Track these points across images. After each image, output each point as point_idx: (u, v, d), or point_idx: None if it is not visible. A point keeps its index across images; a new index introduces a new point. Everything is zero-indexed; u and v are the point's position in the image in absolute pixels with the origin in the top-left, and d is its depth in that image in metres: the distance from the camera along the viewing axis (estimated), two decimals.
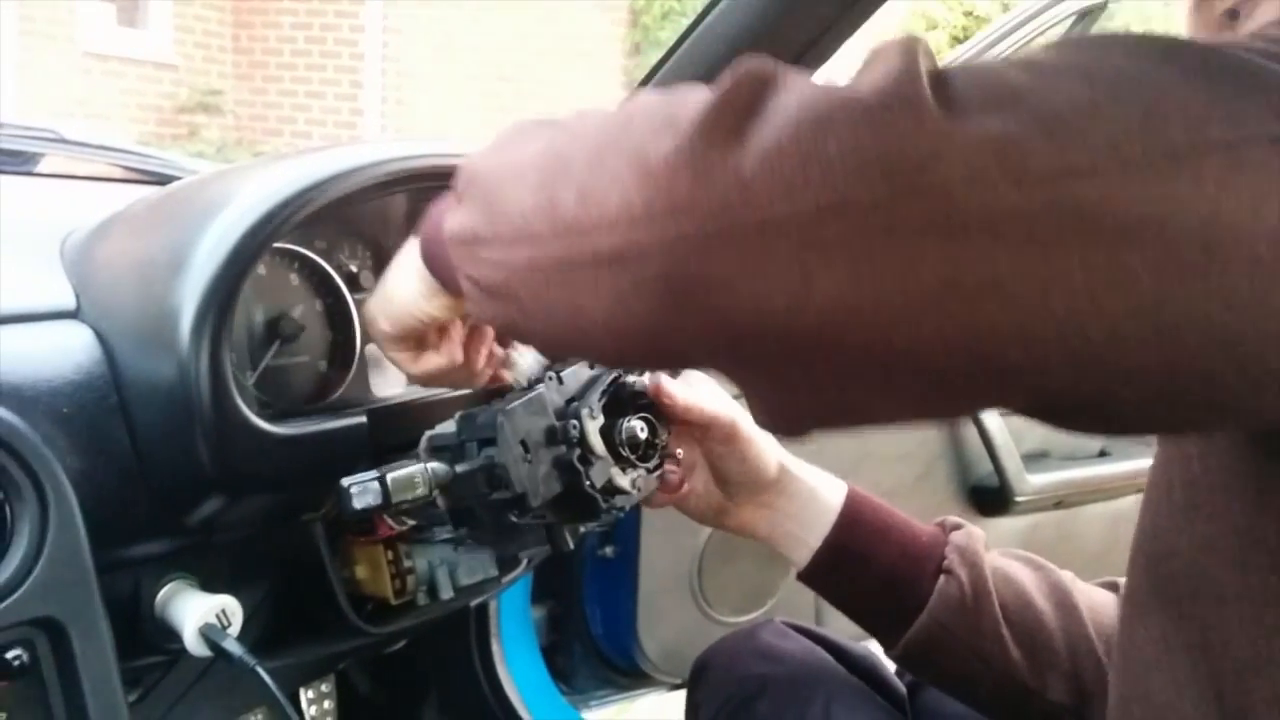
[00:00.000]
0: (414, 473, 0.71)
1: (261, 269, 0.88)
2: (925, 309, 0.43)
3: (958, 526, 0.88)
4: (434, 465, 0.72)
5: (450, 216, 0.61)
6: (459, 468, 0.74)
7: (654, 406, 0.86)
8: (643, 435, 0.84)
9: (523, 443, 0.75)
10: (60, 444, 0.69)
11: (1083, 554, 1.96)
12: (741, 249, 0.44)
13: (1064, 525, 1.95)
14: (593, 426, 0.80)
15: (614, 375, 0.84)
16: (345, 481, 0.70)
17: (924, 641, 0.83)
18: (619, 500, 0.82)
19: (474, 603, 1.29)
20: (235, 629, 0.77)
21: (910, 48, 0.45)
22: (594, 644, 1.73)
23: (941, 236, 0.42)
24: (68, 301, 0.77)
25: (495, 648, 1.56)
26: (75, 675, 0.65)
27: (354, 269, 0.95)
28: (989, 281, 0.42)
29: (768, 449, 0.89)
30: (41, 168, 1.07)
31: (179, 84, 8.40)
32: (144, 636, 0.78)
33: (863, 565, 0.86)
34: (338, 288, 0.93)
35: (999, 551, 0.88)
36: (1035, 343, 0.43)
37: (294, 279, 0.91)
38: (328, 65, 8.76)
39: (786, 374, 0.48)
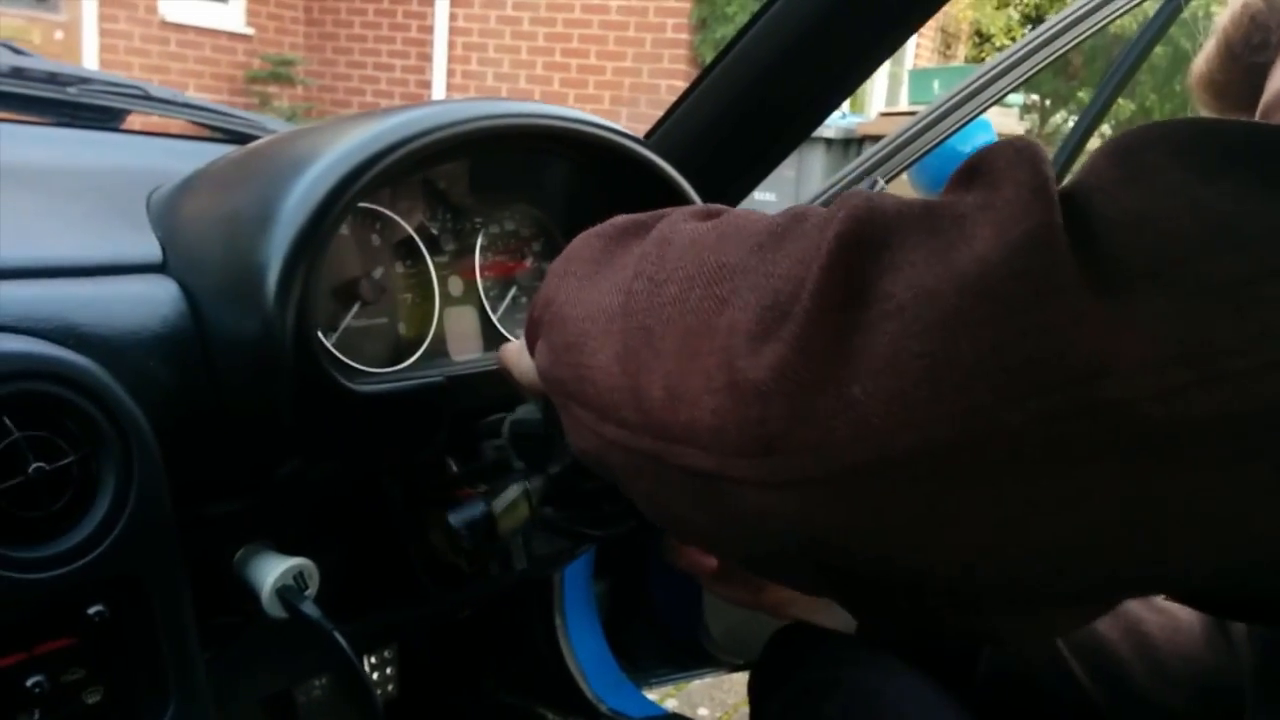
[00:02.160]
0: (517, 500, 0.69)
1: (344, 229, 0.87)
2: (1090, 544, 0.36)
3: None
4: (533, 484, 0.71)
5: (539, 349, 0.56)
6: (552, 469, 0.72)
7: None
8: None
9: None
10: (145, 398, 0.68)
11: None
12: (860, 494, 0.37)
13: None
14: None
15: None
16: (454, 520, 0.68)
17: (990, 692, 0.80)
18: None
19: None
20: (312, 592, 0.76)
21: (1035, 167, 0.37)
22: (657, 621, 1.71)
23: (1122, 459, 0.34)
24: (154, 255, 0.76)
25: (558, 620, 1.55)
26: (154, 633, 0.65)
27: (435, 231, 0.94)
28: (1181, 505, 0.34)
29: None
30: (127, 124, 1.06)
31: (252, 54, 8.50)
32: (221, 596, 0.77)
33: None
34: (419, 250, 0.91)
35: None
36: (1217, 559, 0.36)
37: (376, 240, 0.89)
38: (396, 38, 8.80)
39: (894, 606, 0.42)
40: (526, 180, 1.01)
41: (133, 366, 0.69)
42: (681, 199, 1.01)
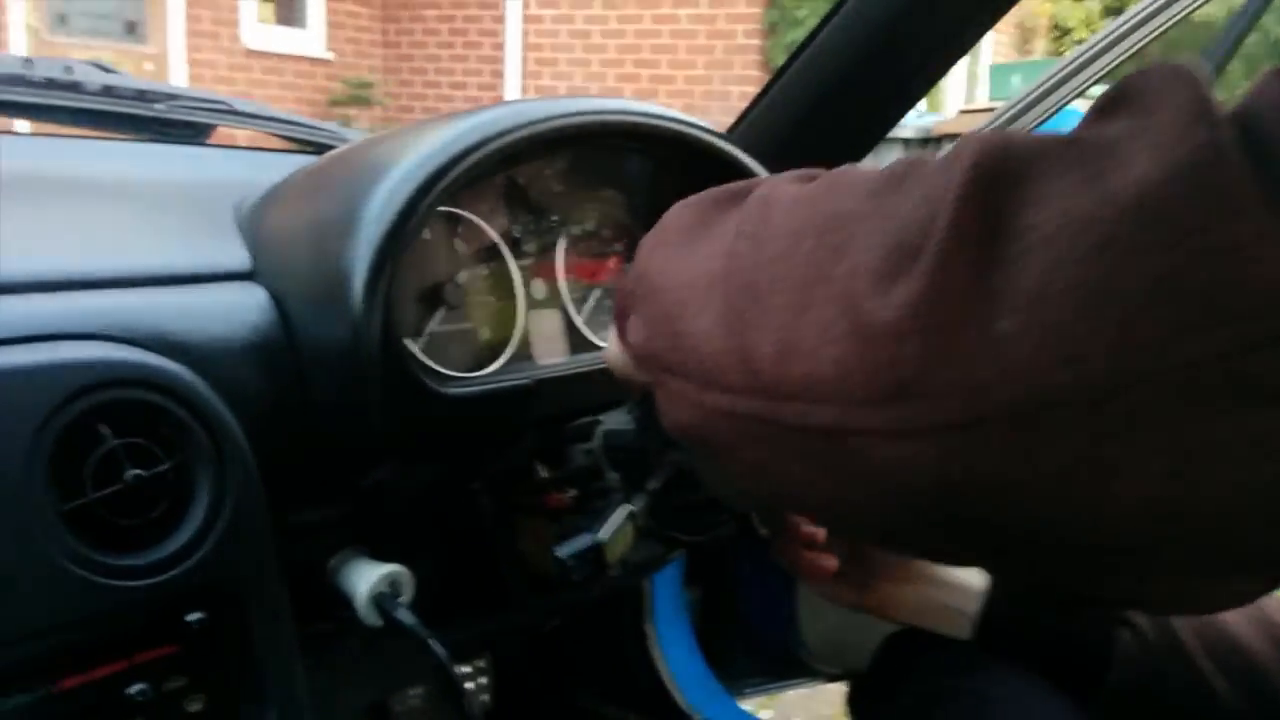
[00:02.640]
0: (622, 525, 0.68)
1: (427, 233, 0.86)
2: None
3: None
4: (636, 505, 0.69)
5: (631, 324, 0.53)
6: (651, 485, 0.70)
7: None
8: None
9: None
10: (238, 404, 0.68)
11: None
12: (1009, 438, 0.33)
13: None
14: None
15: None
16: (561, 552, 0.67)
17: (1119, 704, 0.75)
18: None
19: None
20: (407, 599, 0.76)
21: (1193, 88, 0.33)
22: (749, 630, 1.69)
23: None
24: (243, 263, 0.77)
25: (649, 629, 1.53)
26: (253, 640, 0.64)
27: (517, 234, 0.93)
28: None
29: None
30: (212, 139, 1.08)
31: (332, 78, 8.69)
32: (315, 603, 0.77)
33: (1031, 628, 0.78)
34: (501, 253, 0.91)
35: None
36: None
37: (458, 244, 0.89)
38: (470, 56, 8.92)
39: (1043, 568, 0.39)
40: (608, 179, 1.00)
41: (225, 373, 0.69)
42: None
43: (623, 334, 0.58)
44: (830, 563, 0.80)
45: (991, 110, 1.56)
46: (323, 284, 0.71)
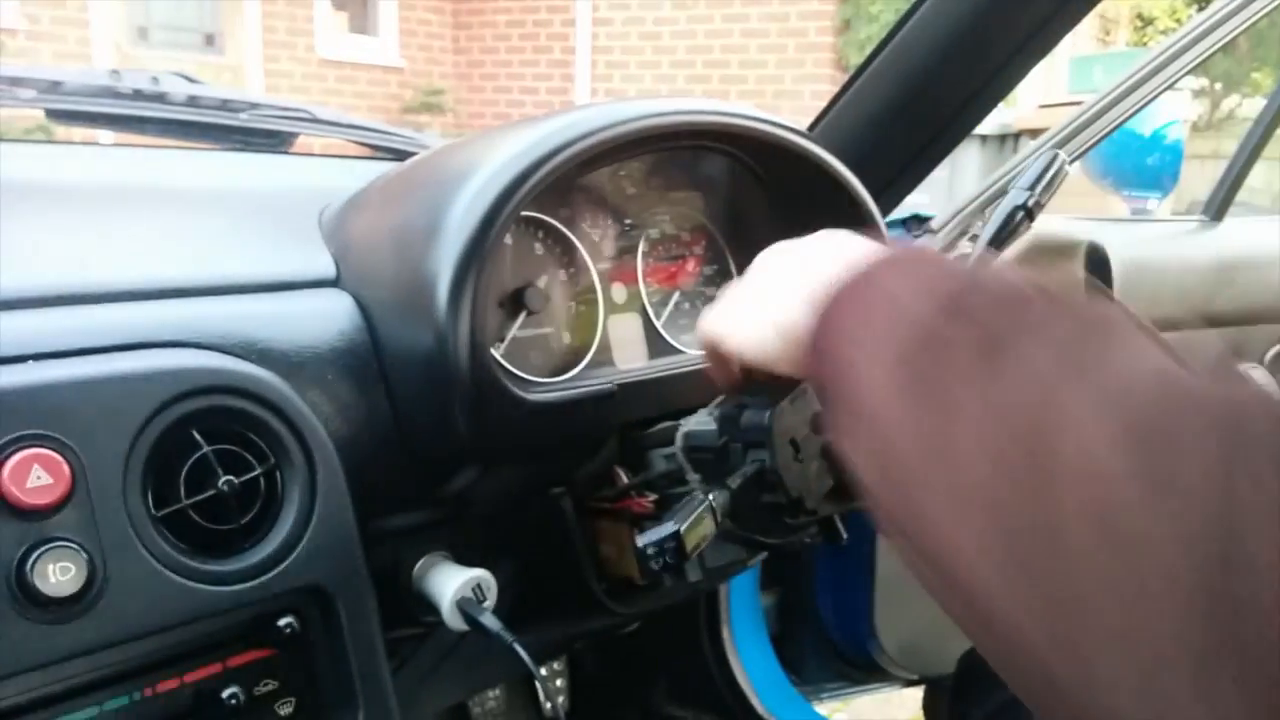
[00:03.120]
0: (702, 514, 0.67)
1: (508, 238, 0.86)
2: None
3: None
4: (717, 498, 0.68)
5: (852, 447, 0.46)
6: (732, 483, 0.69)
7: None
8: None
9: (792, 442, 0.69)
10: (325, 411, 0.69)
11: None
12: None
13: None
14: None
15: None
16: (642, 541, 0.66)
17: None
18: None
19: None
20: (491, 603, 0.76)
21: None
22: (825, 634, 1.66)
23: None
24: (328, 270, 0.77)
25: (725, 633, 1.52)
26: (342, 644, 0.65)
27: (596, 238, 0.93)
28: None
29: None
30: (294, 147, 1.09)
31: (404, 85, 8.82)
32: (402, 608, 0.77)
33: None
34: (581, 257, 0.90)
35: None
36: None
37: (538, 249, 0.89)
38: (540, 60, 8.98)
39: None
40: (686, 181, 0.99)
41: (312, 380, 0.70)
42: (850, 197, 0.97)
43: (831, 427, 0.50)
44: None
45: (1076, 104, 1.52)
46: (407, 291, 0.72)
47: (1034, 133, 4.71)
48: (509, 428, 0.74)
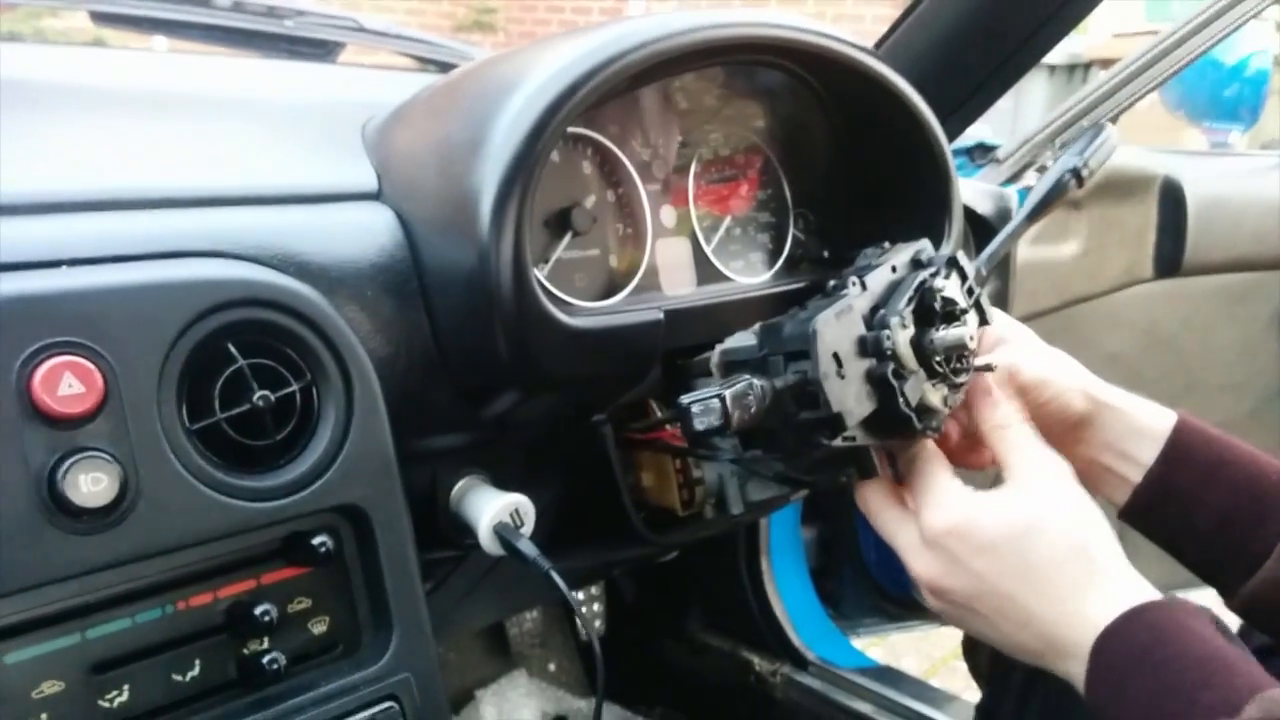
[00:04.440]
0: (747, 389, 0.64)
1: (555, 156, 0.83)
2: None
3: None
4: (759, 381, 0.65)
5: None
6: (775, 381, 0.66)
7: (967, 314, 0.75)
8: (968, 343, 0.73)
9: (835, 356, 0.66)
10: (363, 328, 0.67)
11: None
12: None
13: None
14: (903, 337, 0.70)
15: (920, 279, 0.74)
16: (686, 399, 0.63)
17: (1269, 596, 0.70)
18: (932, 420, 0.72)
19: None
20: (528, 529, 0.74)
21: None
22: (865, 570, 1.65)
23: None
24: (370, 183, 0.75)
25: (764, 565, 1.51)
26: (377, 564, 0.64)
27: (646, 158, 0.89)
28: None
29: (1071, 384, 0.76)
30: (340, 58, 1.07)
31: (456, 3, 8.69)
32: (439, 530, 0.76)
33: (1193, 504, 0.74)
34: (631, 177, 0.87)
35: None
36: None
37: (586, 167, 0.85)
38: None
39: None
40: (742, 100, 0.95)
41: (351, 296, 0.68)
42: (916, 121, 0.93)
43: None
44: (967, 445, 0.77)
45: (1150, 34, 1.45)
46: (450, 206, 0.69)
47: (1106, 63, 4.53)
48: (550, 352, 0.72)
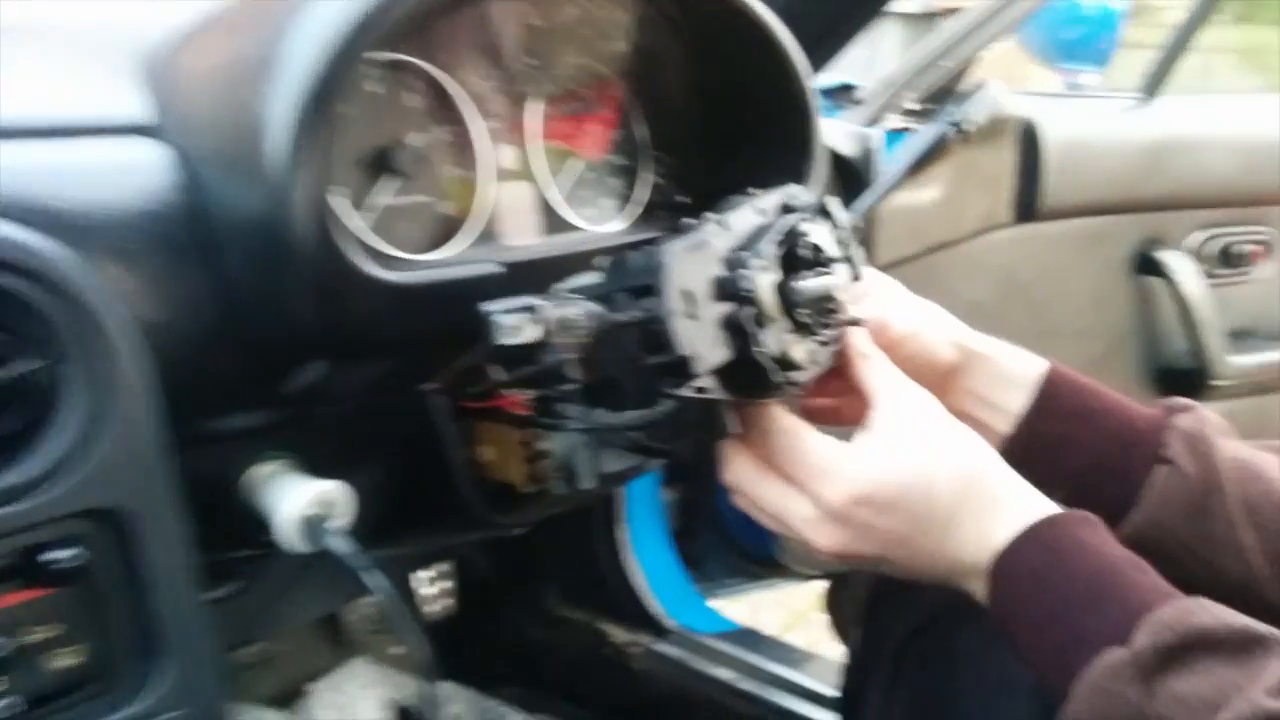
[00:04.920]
0: (572, 311, 0.54)
1: (374, 86, 0.72)
2: None
3: (1186, 409, 0.71)
4: (592, 306, 0.56)
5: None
6: (617, 315, 0.57)
7: (837, 264, 0.68)
8: (836, 294, 0.66)
9: (687, 295, 0.58)
10: (128, 289, 0.55)
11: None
12: None
13: (1260, 415, 1.72)
14: (766, 281, 0.62)
15: (787, 223, 0.66)
16: (488, 307, 0.53)
17: (1135, 541, 0.67)
18: (794, 375, 0.65)
19: None
20: (344, 521, 0.64)
21: None
22: (726, 531, 1.60)
23: None
24: (144, 115, 0.62)
25: (620, 533, 1.44)
26: (143, 579, 0.52)
27: (482, 91, 0.78)
28: None
29: (941, 334, 0.74)
30: None
31: None
32: (235, 527, 0.65)
33: (1063, 450, 0.72)
34: (463, 113, 0.76)
35: (1251, 443, 0.71)
36: None
37: (412, 100, 0.74)
38: None
39: None
40: (590, 28, 0.85)
41: (112, 250, 0.56)
42: (777, 50, 0.85)
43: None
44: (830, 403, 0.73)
45: None
46: (236, 139, 0.57)
47: (953, 11, 4.60)
48: (365, 313, 0.61)
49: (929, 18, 5.04)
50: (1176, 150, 1.61)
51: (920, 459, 0.61)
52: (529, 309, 0.52)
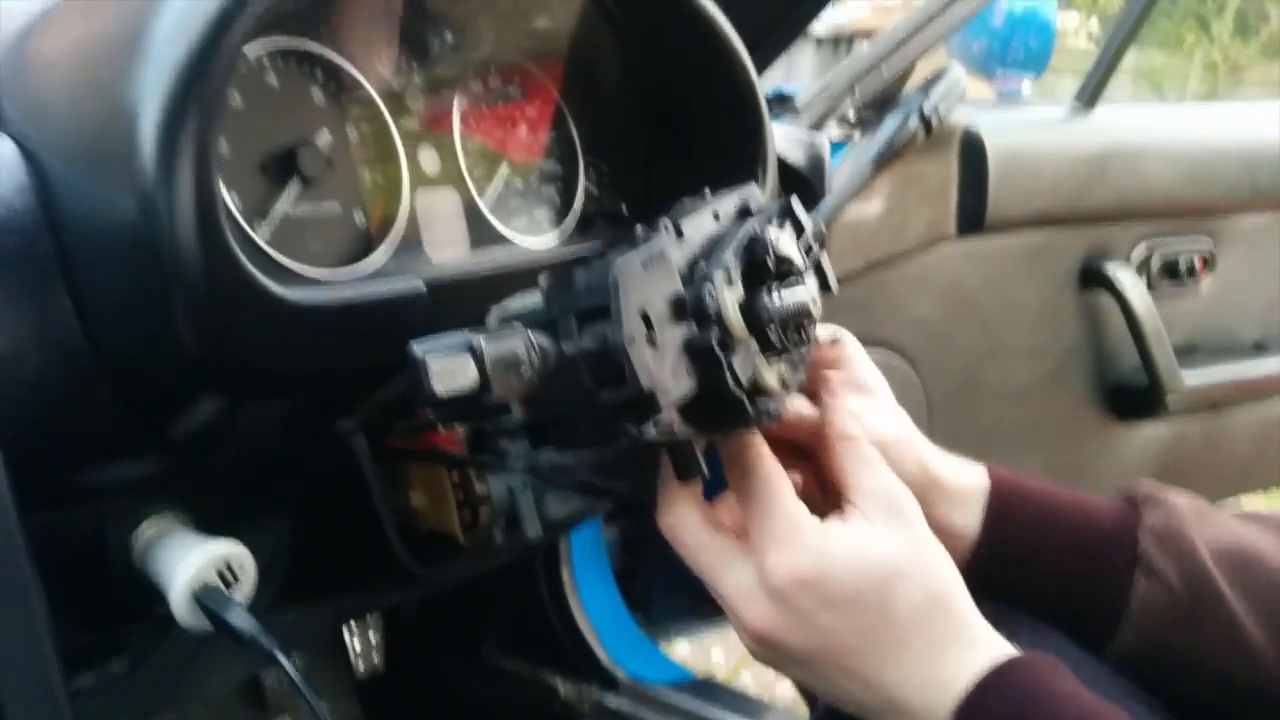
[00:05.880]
0: (515, 345, 0.45)
1: (273, 79, 0.62)
2: None
3: (1153, 504, 0.65)
4: (539, 338, 0.47)
5: None
6: (565, 346, 0.48)
7: (805, 274, 0.60)
8: (811, 309, 0.57)
9: (644, 316, 0.49)
10: None
11: (1230, 464, 1.72)
12: None
13: (1212, 432, 1.69)
14: (730, 297, 0.53)
15: (748, 229, 0.57)
16: (419, 348, 0.43)
17: (1137, 658, 0.63)
18: (768, 405, 0.56)
19: None
20: (247, 586, 0.54)
21: None
22: (675, 569, 1.51)
23: None
24: None
25: (565, 575, 1.35)
26: None
27: (399, 86, 0.69)
28: None
29: (907, 453, 0.65)
30: None
31: None
32: (117, 598, 0.54)
33: (1029, 569, 0.65)
34: (379, 110, 0.67)
35: (1233, 515, 0.66)
36: None
37: (317, 95, 0.65)
38: None
39: None
40: (517, 19, 0.77)
41: None
42: (722, 46, 0.77)
43: None
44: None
45: (908, 5, 1.38)
46: (94, 132, 0.47)
47: (868, 34, 4.63)
48: (265, 340, 0.51)
49: (840, 42, 5.10)
50: (1118, 160, 1.59)
51: (890, 563, 0.53)
52: (468, 348, 0.43)
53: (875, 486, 0.56)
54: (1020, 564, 0.64)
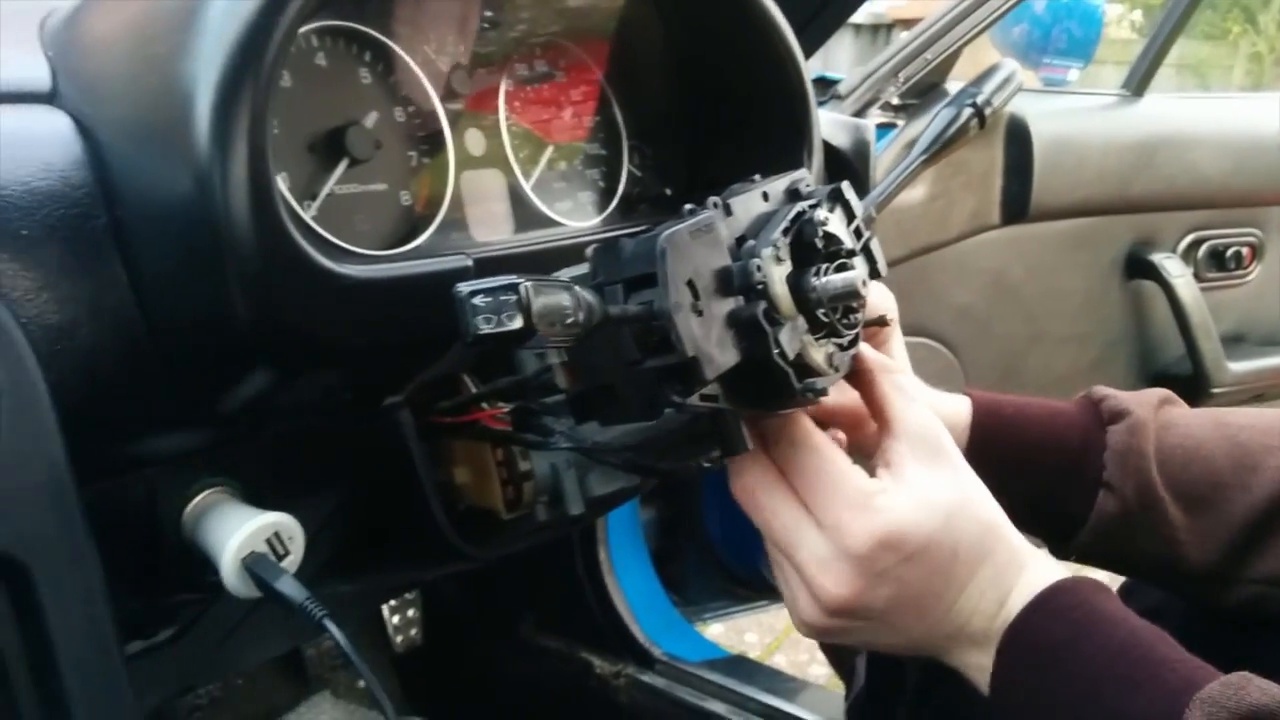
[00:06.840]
0: (561, 297, 0.45)
1: (322, 59, 0.63)
2: None
3: (1116, 412, 0.69)
4: (586, 294, 0.46)
5: None
6: (611, 310, 0.48)
7: (855, 257, 0.60)
8: (860, 290, 0.57)
9: (690, 285, 0.49)
10: (17, 285, 0.46)
11: None
12: None
13: None
14: (778, 273, 0.53)
15: (798, 209, 0.57)
16: (464, 288, 0.43)
17: (1089, 555, 0.71)
18: (814, 383, 0.56)
19: None
20: (295, 558, 0.54)
21: None
22: (710, 550, 1.52)
23: None
24: (37, 79, 0.53)
25: (602, 555, 1.35)
26: (45, 637, 0.43)
27: (445, 67, 0.70)
28: None
29: None
30: None
31: None
32: (168, 567, 0.55)
33: (1006, 489, 0.63)
34: (424, 91, 0.68)
35: (1193, 413, 0.72)
36: None
37: (365, 76, 0.65)
38: None
39: None
40: (563, 5, 0.77)
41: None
42: (769, 28, 0.77)
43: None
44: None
45: None
46: (149, 106, 0.48)
47: (908, 23, 4.57)
48: (315, 315, 0.52)
49: (879, 29, 5.03)
50: (1166, 149, 1.56)
51: (947, 503, 0.54)
52: (512, 288, 0.43)
53: (917, 423, 0.57)
54: (998, 486, 0.64)
